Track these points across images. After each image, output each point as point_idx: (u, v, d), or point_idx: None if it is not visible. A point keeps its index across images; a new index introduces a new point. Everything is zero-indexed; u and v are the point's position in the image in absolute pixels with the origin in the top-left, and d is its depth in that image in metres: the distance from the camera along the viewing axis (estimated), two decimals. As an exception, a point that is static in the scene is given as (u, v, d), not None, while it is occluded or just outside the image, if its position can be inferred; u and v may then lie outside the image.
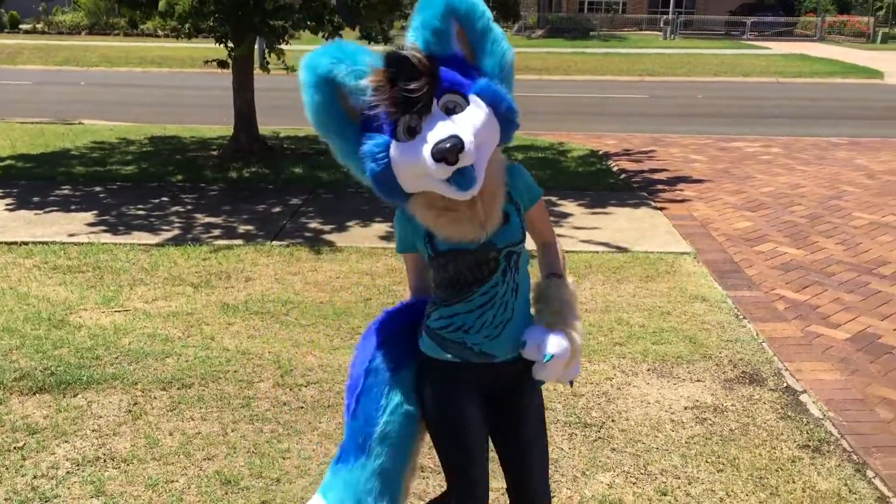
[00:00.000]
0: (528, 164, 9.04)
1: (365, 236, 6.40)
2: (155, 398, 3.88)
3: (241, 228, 6.55)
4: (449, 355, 2.17)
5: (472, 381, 2.20)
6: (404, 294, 5.15)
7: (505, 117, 2.02)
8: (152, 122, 12.19)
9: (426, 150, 1.91)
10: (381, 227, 6.64)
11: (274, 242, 6.19)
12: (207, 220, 6.80)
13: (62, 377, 4.01)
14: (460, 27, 2.02)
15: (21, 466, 3.31)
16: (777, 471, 3.37)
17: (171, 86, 18.07)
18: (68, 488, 3.18)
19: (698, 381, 4.12)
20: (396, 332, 2.26)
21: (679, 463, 3.42)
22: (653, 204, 7.42)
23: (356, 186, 8.01)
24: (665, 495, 3.20)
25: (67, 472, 3.28)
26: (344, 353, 4.36)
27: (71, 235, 6.28)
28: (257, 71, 9.54)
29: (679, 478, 3.32)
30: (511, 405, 2.27)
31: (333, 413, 3.77)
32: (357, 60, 1.98)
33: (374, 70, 1.94)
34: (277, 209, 7.15)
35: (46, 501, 3.09)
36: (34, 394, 3.88)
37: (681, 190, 8.01)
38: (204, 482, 3.23)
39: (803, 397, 3.97)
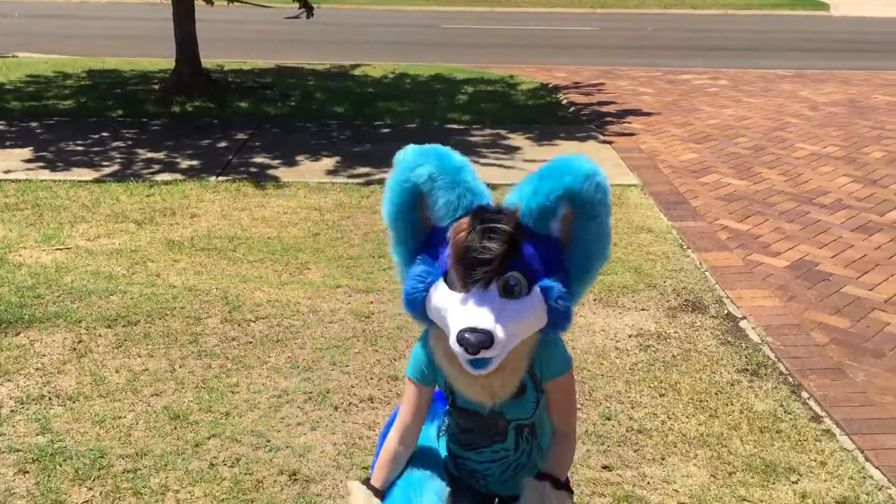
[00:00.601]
0: (475, 98, 8.98)
1: (313, 171, 6.32)
2: (100, 336, 3.83)
3: (186, 164, 6.42)
4: (455, 472, 2.15)
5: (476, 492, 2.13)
6: (353, 230, 5.14)
7: (555, 321, 1.88)
8: (90, 55, 11.75)
9: (456, 319, 1.80)
10: (329, 162, 6.56)
11: (220, 178, 6.08)
12: (150, 155, 6.64)
13: (3, 316, 3.93)
14: (571, 212, 1.88)
15: (-37, 406, 3.26)
16: (716, 394, 3.48)
17: (109, 17, 17.40)
18: (13, 426, 3.14)
19: (643, 309, 4.21)
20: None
21: (623, 388, 3.51)
22: (601, 137, 7.45)
23: (303, 120, 7.89)
24: (609, 420, 3.29)
25: (12, 411, 3.24)
26: (293, 289, 4.35)
27: (7, 172, 6.08)
28: (199, 2, 9.22)
29: (623, 403, 3.41)
30: None
31: (283, 348, 3.77)
32: (455, 179, 1.87)
33: (461, 214, 1.84)
34: (223, 144, 7.01)
35: (-9, 440, 3.06)
36: (-26, 334, 3.80)
37: (629, 123, 8.04)
38: (152, 417, 3.23)
39: (743, 323, 4.08)
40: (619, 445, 3.13)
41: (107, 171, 6.19)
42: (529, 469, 2.05)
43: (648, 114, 8.39)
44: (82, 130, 7.32)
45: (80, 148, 6.78)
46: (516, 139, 7.36)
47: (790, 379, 3.61)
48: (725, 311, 4.20)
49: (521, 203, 1.87)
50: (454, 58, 12.12)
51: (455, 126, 7.84)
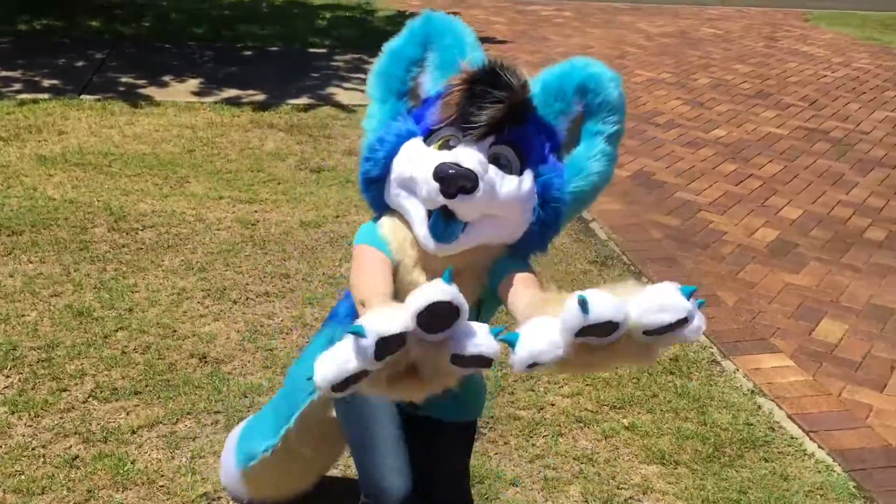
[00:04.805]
0: (334, 24, 9.10)
1: (180, 91, 6.34)
2: (-14, 245, 3.88)
3: (45, 83, 6.27)
4: None
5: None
6: (228, 146, 5.29)
7: (541, 223, 1.55)
8: None
9: (435, 161, 1.51)
10: (194, 83, 6.58)
11: (83, 96, 6.00)
12: (4, 73, 6.42)
13: None
14: (582, 115, 1.63)
15: None
16: (571, 281, 4.00)
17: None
18: (-85, 327, 3.22)
19: (505, 214, 4.67)
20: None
21: (492, 279, 3.96)
22: (459, 62, 7.80)
23: (162, 41, 7.77)
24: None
25: None
26: (176, 200, 4.50)
27: None
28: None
29: (492, 290, 3.86)
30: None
31: (175, 252, 3.96)
32: (461, 45, 1.68)
33: (463, 69, 1.57)
34: (80, 63, 6.85)
35: None
36: None
37: (485, 49, 8.43)
38: (56, 314, 3.38)
39: (592, 224, 4.63)
40: (492, 324, 3.58)
41: (-42, 88, 5.98)
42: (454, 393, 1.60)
43: (502, 42, 8.82)
44: (-79, 47, 6.94)
45: (-77, 64, 6.46)
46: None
47: (632, 268, 4.18)
48: (577, 216, 4.73)
49: (536, 88, 1.61)
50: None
51: (317, 50, 7.98)
